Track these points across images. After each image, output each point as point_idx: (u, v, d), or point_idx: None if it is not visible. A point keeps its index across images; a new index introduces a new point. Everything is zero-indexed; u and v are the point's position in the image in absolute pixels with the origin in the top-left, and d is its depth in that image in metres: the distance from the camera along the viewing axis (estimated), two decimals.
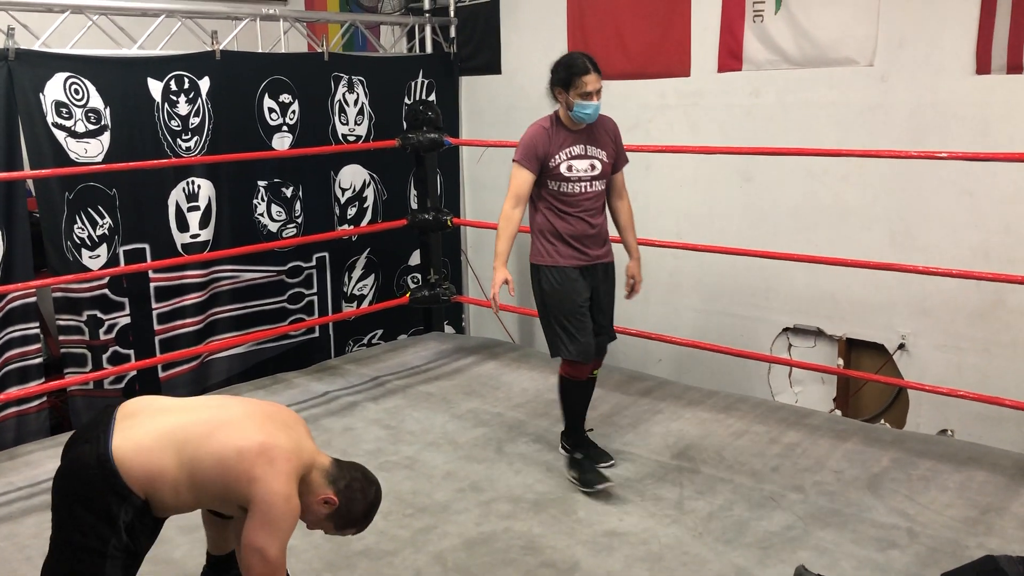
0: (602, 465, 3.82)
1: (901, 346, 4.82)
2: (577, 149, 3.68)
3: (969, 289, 4.48)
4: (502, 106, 6.27)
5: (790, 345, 5.28)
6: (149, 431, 2.35)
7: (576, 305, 3.69)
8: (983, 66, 4.33)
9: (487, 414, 4.56)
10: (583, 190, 3.68)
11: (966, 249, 4.49)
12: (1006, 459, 3.80)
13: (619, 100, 5.76)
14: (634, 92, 5.61)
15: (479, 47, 6.23)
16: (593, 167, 3.69)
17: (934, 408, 4.75)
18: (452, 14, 6.23)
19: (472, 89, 6.45)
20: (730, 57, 5.10)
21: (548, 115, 3.75)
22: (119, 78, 4.59)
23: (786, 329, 5.27)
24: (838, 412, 5.04)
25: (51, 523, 2.36)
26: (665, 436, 4.19)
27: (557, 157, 3.64)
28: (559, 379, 3.86)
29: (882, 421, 5.00)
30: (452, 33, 6.28)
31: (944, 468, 3.73)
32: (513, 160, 3.70)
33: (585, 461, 3.80)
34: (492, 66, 6.18)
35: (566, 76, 3.59)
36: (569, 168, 3.65)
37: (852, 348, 5.08)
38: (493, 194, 6.46)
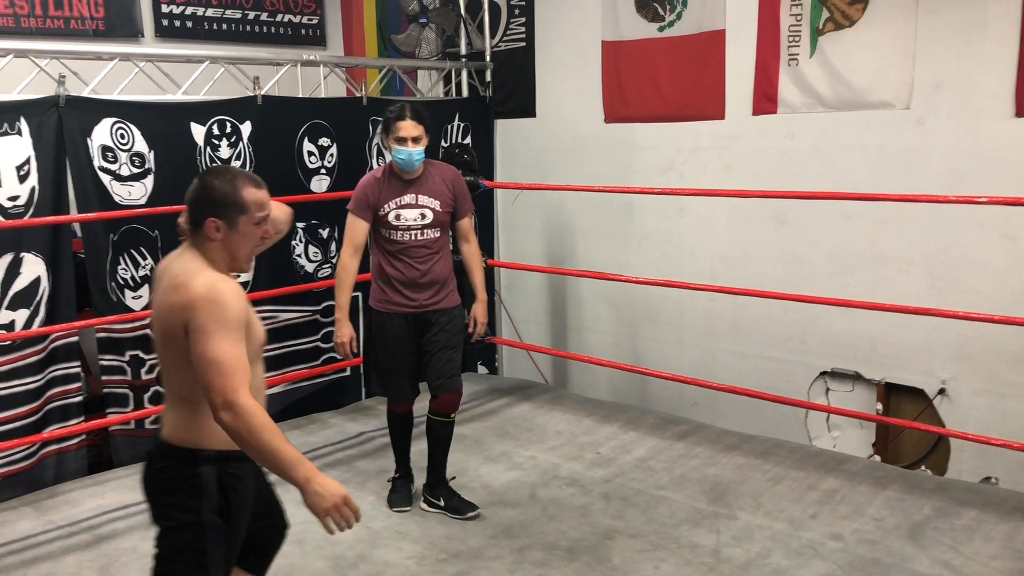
0: (469, 515, 3.88)
1: (941, 391, 4.74)
2: (407, 198, 3.80)
3: (1011, 334, 4.41)
4: (536, 149, 6.34)
5: (828, 389, 5.21)
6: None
7: (391, 353, 3.88)
8: (1022, 109, 4.30)
9: (520, 457, 4.54)
10: (412, 238, 3.80)
11: (1007, 294, 4.43)
12: None
13: (653, 143, 5.81)
14: (669, 135, 5.64)
15: (514, 91, 6.31)
16: (423, 216, 3.81)
17: (977, 455, 4.66)
18: (488, 58, 6.31)
19: (507, 132, 6.52)
20: (765, 100, 5.11)
21: (382, 165, 3.93)
22: (163, 123, 4.70)
23: (823, 373, 5.22)
24: (877, 458, 4.95)
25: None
26: (701, 481, 4.15)
27: (386, 206, 3.78)
28: (387, 411, 4.09)
29: (923, 468, 4.91)
30: (488, 77, 6.37)
31: (988, 518, 3.65)
32: (347, 209, 3.85)
33: (399, 481, 4.06)
34: (527, 109, 6.25)
35: (385, 122, 3.79)
36: (397, 217, 3.79)
37: (891, 393, 5.01)
38: (527, 235, 6.51)
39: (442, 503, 3.94)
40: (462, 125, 6.16)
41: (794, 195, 4.82)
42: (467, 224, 4.04)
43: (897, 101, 4.68)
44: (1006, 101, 4.36)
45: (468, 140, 6.21)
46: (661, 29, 5.46)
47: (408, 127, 3.71)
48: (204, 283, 2.15)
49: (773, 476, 4.16)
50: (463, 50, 6.29)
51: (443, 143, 6.04)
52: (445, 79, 6.43)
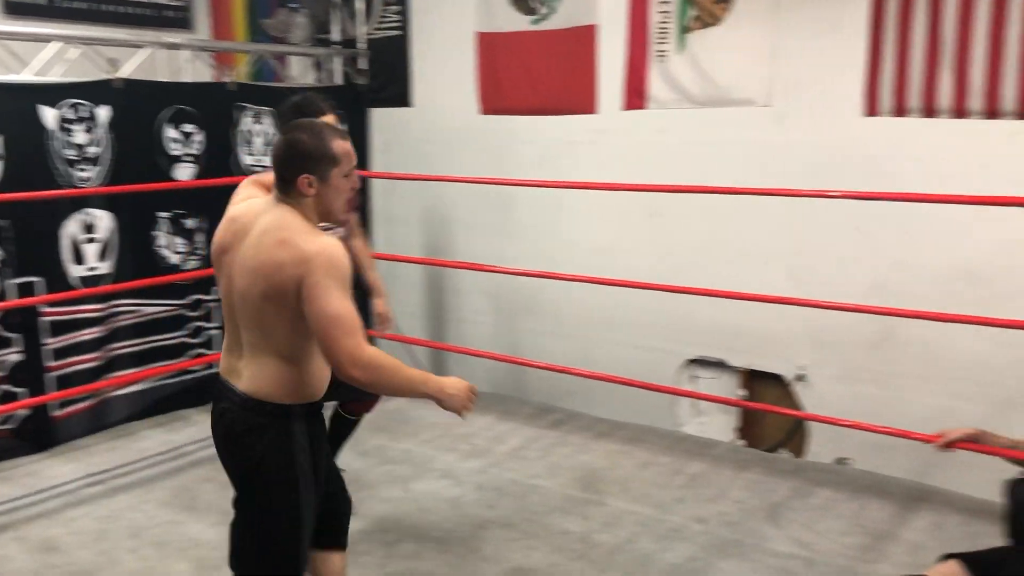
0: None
1: (800, 377, 4.96)
2: None
3: (864, 322, 4.65)
4: (413, 139, 6.28)
5: (694, 376, 5.38)
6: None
7: None
8: (872, 109, 4.53)
9: (395, 451, 4.51)
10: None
11: (860, 284, 4.66)
12: (897, 487, 3.94)
13: (529, 135, 5.85)
14: (544, 127, 5.69)
15: (389, 80, 6.23)
16: None
17: (832, 437, 4.89)
18: (361, 46, 6.21)
19: (383, 122, 6.44)
20: (635, 96, 5.22)
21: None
22: (8, 105, 4.42)
23: (691, 361, 5.38)
24: (741, 442, 5.14)
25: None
26: (573, 469, 4.21)
27: None
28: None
29: (783, 450, 5.12)
30: (361, 65, 6.26)
31: (840, 497, 3.85)
32: None
33: None
34: (403, 99, 6.19)
35: (299, 116, 3.42)
36: None
37: (754, 379, 5.21)
38: (405, 227, 6.45)
39: None
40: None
41: (663, 188, 4.92)
42: (354, 220, 3.90)
43: (759, 98, 4.85)
44: (857, 101, 4.58)
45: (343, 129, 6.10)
46: (535, 22, 5.49)
47: (331, 121, 3.52)
48: (320, 242, 2.16)
49: (642, 462, 4.27)
50: (336, 37, 6.17)
51: None
52: (317, 66, 6.29)
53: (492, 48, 5.72)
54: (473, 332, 6.23)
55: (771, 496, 3.86)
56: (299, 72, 6.31)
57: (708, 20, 4.90)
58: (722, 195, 4.87)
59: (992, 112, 4.26)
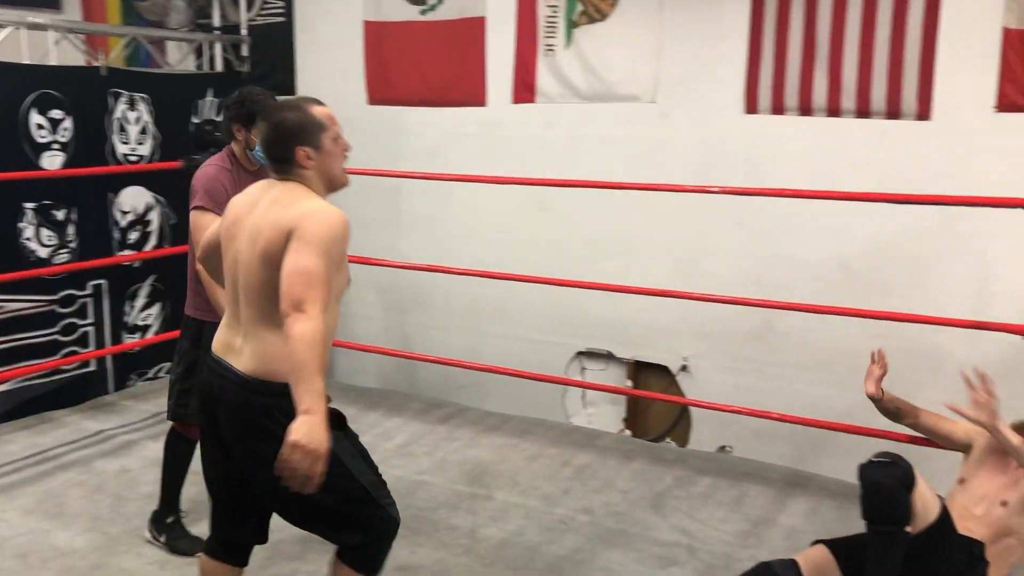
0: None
1: (684, 367, 5.08)
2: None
3: (745, 314, 4.79)
4: None
5: (583, 368, 5.43)
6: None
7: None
8: (751, 106, 4.66)
9: None
10: None
11: (741, 277, 4.80)
12: (775, 473, 4.07)
13: (419, 127, 5.78)
14: (433, 120, 5.63)
15: (273, 67, 6.04)
16: None
17: (714, 426, 5.03)
18: (243, 32, 6.01)
19: None
20: (524, 89, 5.22)
21: (221, 153, 3.42)
22: None
23: (580, 353, 5.43)
24: (627, 432, 5.23)
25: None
26: (461, 464, 4.18)
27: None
28: (172, 438, 3.49)
29: (668, 440, 5.23)
30: (244, 51, 6.06)
31: (721, 484, 3.95)
32: (194, 208, 3.22)
33: (177, 526, 3.48)
34: (287, 87, 6.01)
35: (248, 113, 3.27)
36: None
37: (640, 370, 5.30)
38: None
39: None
40: (216, 101, 5.82)
41: (552, 183, 4.94)
42: None
43: (644, 94, 4.93)
44: (738, 98, 4.70)
45: (223, 117, 5.88)
46: (423, 12, 5.43)
47: None
48: (315, 204, 2.19)
49: (530, 454, 4.28)
50: (216, 22, 5.95)
51: (193, 119, 5.69)
52: (197, 52, 6.05)
53: (380, 38, 5.63)
54: (363, 327, 6.13)
55: (656, 485, 3.93)
56: (177, 58, 6.06)
57: (595, 15, 4.94)
58: (609, 190, 4.94)
59: (864, 112, 4.44)
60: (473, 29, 5.28)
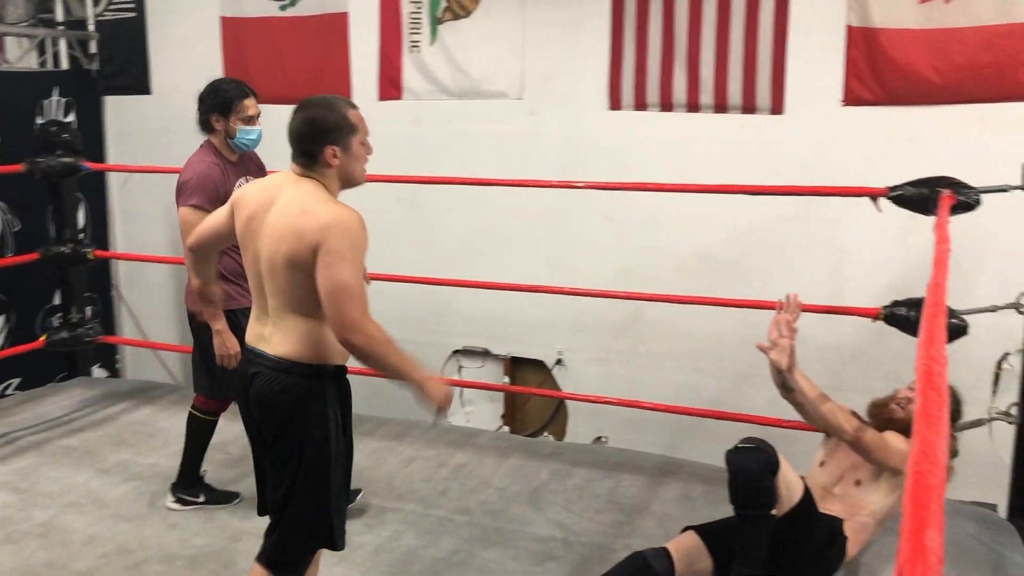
0: (235, 501, 3.74)
1: (559, 361, 5.12)
2: (242, 181, 3.46)
3: (615, 307, 4.86)
4: (154, 129, 5.84)
5: (460, 367, 5.40)
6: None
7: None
8: (615, 103, 4.74)
9: (139, 465, 4.16)
10: None
11: (610, 269, 4.87)
12: (648, 461, 4.14)
13: (281, 126, 5.61)
14: None
15: (125, 65, 5.75)
16: None
17: (590, 418, 5.10)
18: (91, 28, 5.69)
19: (119, 110, 5.95)
20: (390, 86, 5.15)
21: (203, 147, 3.45)
22: None
23: (456, 351, 5.40)
24: (506, 428, 5.23)
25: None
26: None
27: (233, 192, 3.37)
28: (197, 415, 3.70)
29: (545, 434, 5.27)
30: (92, 48, 5.74)
31: (596, 475, 3.98)
32: (187, 206, 3.27)
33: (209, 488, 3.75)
34: (140, 86, 5.74)
35: (224, 101, 3.38)
36: None
37: (516, 366, 5.32)
38: (148, 224, 6.00)
39: (202, 499, 3.72)
40: (63, 101, 5.50)
41: (419, 180, 4.85)
42: None
43: (511, 91, 4.94)
44: (602, 95, 4.77)
45: (72, 118, 5.56)
46: (283, 8, 5.28)
47: (253, 104, 3.41)
48: (339, 212, 2.29)
49: (406, 457, 4.21)
50: (59, 16, 5.61)
51: (38, 119, 5.35)
52: (39, 48, 5.69)
53: (238, 34, 5.44)
54: None
55: (532, 481, 3.93)
56: (17, 55, 5.68)
57: (459, 12, 4.91)
58: (479, 187, 4.92)
59: (721, 107, 4.59)
60: (335, 25, 5.16)
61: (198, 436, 3.72)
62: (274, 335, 2.40)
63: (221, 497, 3.74)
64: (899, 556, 1.01)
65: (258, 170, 3.60)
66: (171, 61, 5.74)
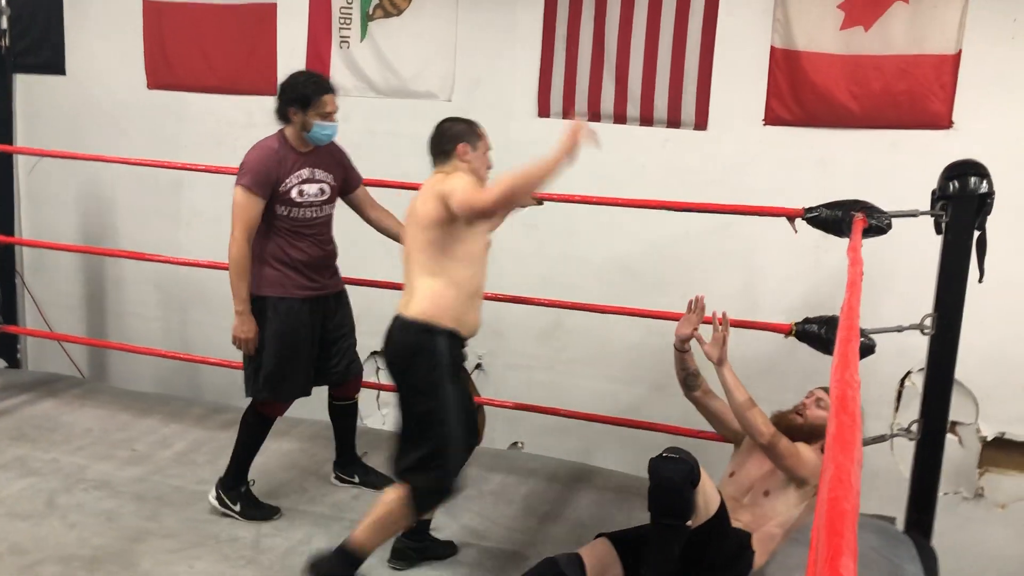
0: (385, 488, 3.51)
1: (478, 366, 5.11)
2: (305, 172, 3.46)
3: (535, 314, 4.88)
4: (68, 112, 5.65)
5: (378, 368, 5.35)
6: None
7: (294, 345, 3.50)
8: (544, 110, 4.76)
9: (38, 461, 3.99)
10: (314, 215, 3.49)
11: (532, 276, 4.89)
12: (563, 468, 4.17)
13: (203, 115, 5.47)
14: (220, 107, 5.37)
15: (38, 43, 5.54)
16: (323, 191, 3.52)
17: (507, 423, 5.11)
18: (3, 2, 5.45)
19: (29, 90, 5.71)
20: None
21: (273, 136, 3.48)
22: None
23: (374, 352, 5.34)
24: None
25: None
26: (249, 471, 3.98)
27: (288, 181, 3.40)
28: (250, 414, 3.63)
29: None
30: (3, 24, 5.50)
31: (511, 481, 3.99)
32: (239, 185, 3.36)
33: (249, 494, 3.61)
34: (54, 66, 5.53)
35: (305, 95, 3.40)
36: (300, 193, 3.44)
37: None
38: (57, 210, 5.79)
39: (357, 479, 3.86)
40: None
41: None
42: (365, 192, 3.74)
43: (441, 93, 4.92)
44: (531, 101, 4.79)
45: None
46: None
47: (332, 101, 3.45)
48: (463, 173, 2.97)
49: (320, 460, 4.14)
50: None
51: None
52: None
53: (161, 17, 5.29)
54: (138, 327, 5.74)
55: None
56: None
57: (390, 10, 4.88)
58: (404, 190, 4.88)
59: (647, 120, 4.66)
60: (263, 16, 5.07)
61: (251, 436, 3.63)
62: (407, 299, 2.99)
63: (257, 514, 3.56)
64: None
65: (336, 165, 3.57)
66: (88, 42, 5.55)
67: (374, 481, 3.84)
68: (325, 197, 3.56)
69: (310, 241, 3.53)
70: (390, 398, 5.23)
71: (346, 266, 4.96)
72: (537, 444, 5.00)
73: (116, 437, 4.31)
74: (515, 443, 5.10)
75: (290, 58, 5.12)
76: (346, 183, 3.70)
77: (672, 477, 2.70)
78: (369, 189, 4.92)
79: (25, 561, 3.17)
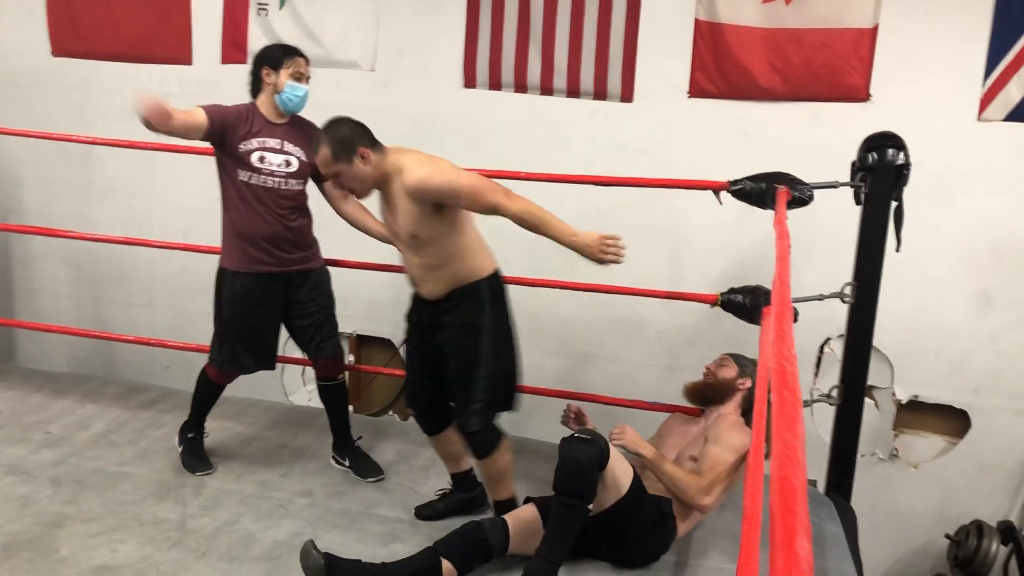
0: (371, 479, 3.68)
1: (406, 341, 5.06)
2: (272, 142, 3.36)
3: None
4: None
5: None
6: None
7: (243, 318, 3.47)
8: (470, 81, 4.71)
9: None
10: (277, 186, 3.37)
11: None
12: None
13: (115, 84, 5.25)
14: (133, 76, 5.16)
15: None
16: (288, 163, 3.40)
17: None
18: None
19: None
20: (235, 49, 4.92)
21: (247, 103, 3.42)
22: None
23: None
24: (350, 408, 5.14)
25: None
26: (169, 452, 3.87)
27: (248, 143, 3.31)
28: (202, 370, 3.72)
29: (391, 413, 5.22)
30: None
31: None
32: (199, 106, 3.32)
33: (195, 442, 3.74)
34: None
35: (277, 56, 3.38)
36: (261, 159, 3.34)
37: (363, 344, 5.23)
38: None
39: (347, 463, 3.76)
40: None
41: None
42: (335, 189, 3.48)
43: (363, 62, 4.82)
44: (457, 72, 4.73)
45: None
46: None
47: (305, 64, 3.40)
48: None
49: (246, 437, 4.06)
50: None
51: None
52: None
53: None
54: (50, 305, 5.52)
55: (377, 461, 3.88)
56: None
57: None
58: None
59: (574, 91, 4.65)
60: None
61: (200, 392, 3.75)
62: (425, 284, 3.19)
63: (189, 463, 3.71)
64: (772, 565, 1.04)
65: (310, 143, 3.32)
66: None
67: (362, 468, 3.75)
68: (291, 170, 3.44)
69: (273, 214, 3.43)
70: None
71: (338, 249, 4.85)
72: None
73: (28, 419, 4.14)
74: None
75: (205, 24, 4.95)
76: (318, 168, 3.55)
77: (580, 457, 2.74)
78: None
79: None
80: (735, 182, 3.55)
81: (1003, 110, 4.27)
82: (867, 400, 4.21)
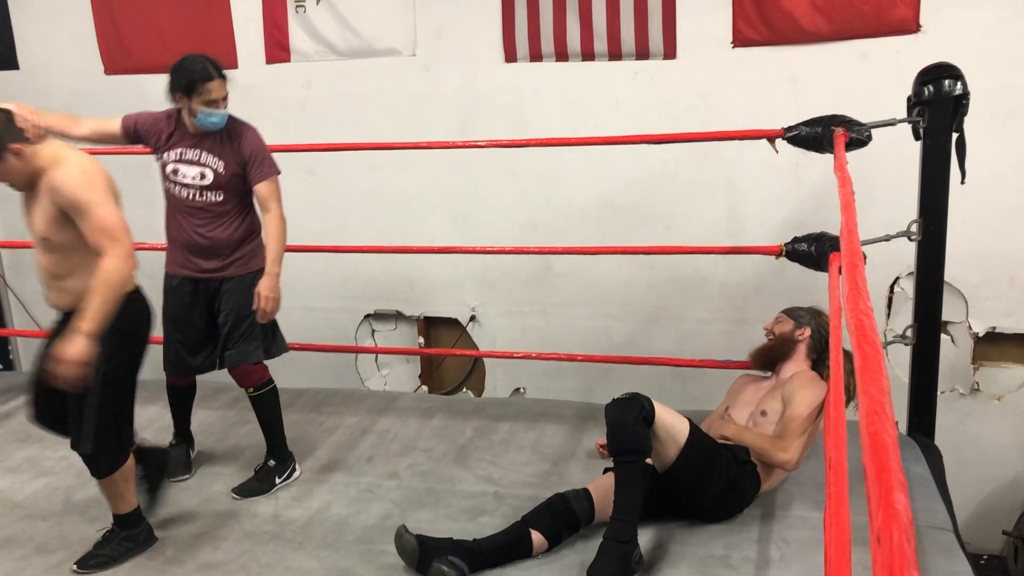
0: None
1: (473, 318, 5.14)
2: (189, 153, 3.38)
3: (524, 260, 4.90)
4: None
5: (373, 331, 5.37)
6: None
7: (167, 318, 3.55)
8: (510, 55, 4.71)
9: (49, 460, 4.00)
10: (190, 197, 3.40)
11: (517, 225, 4.89)
12: (568, 409, 4.22)
13: (161, 97, 5.36)
14: None
15: None
16: (203, 176, 3.38)
17: (507, 370, 5.15)
18: None
19: None
20: (278, 49, 4.99)
21: (169, 110, 3.44)
22: None
23: (368, 316, 5.35)
24: (425, 388, 5.24)
25: None
26: (255, 446, 4.01)
27: (165, 154, 3.39)
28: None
29: (465, 390, 5.30)
30: None
31: (519, 428, 4.04)
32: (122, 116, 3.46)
33: (176, 448, 3.81)
34: (6, 60, 5.40)
35: (187, 82, 3.28)
36: (175, 172, 3.38)
37: (431, 326, 5.31)
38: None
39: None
40: None
41: (314, 147, 4.70)
42: (264, 190, 3.42)
43: (404, 48, 4.85)
44: (496, 48, 4.74)
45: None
46: None
47: (219, 87, 3.28)
48: None
49: (328, 427, 4.18)
50: None
51: None
52: None
53: (110, 1, 5.15)
54: None
55: (457, 439, 3.96)
56: None
57: None
58: (375, 151, 4.83)
59: (615, 54, 4.62)
60: None
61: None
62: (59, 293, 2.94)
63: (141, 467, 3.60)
64: (872, 522, 1.05)
65: (234, 154, 3.37)
66: (39, 33, 5.41)
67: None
68: (205, 183, 3.38)
69: (189, 225, 3.43)
70: (389, 358, 5.28)
71: (326, 234, 4.95)
72: (538, 388, 5.05)
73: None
74: (517, 389, 5.15)
75: (247, 28, 5.03)
76: (249, 176, 3.44)
77: (624, 419, 2.80)
78: (341, 154, 4.88)
79: (52, 560, 3.20)
80: (790, 128, 3.50)
81: None
82: (943, 336, 4.14)
